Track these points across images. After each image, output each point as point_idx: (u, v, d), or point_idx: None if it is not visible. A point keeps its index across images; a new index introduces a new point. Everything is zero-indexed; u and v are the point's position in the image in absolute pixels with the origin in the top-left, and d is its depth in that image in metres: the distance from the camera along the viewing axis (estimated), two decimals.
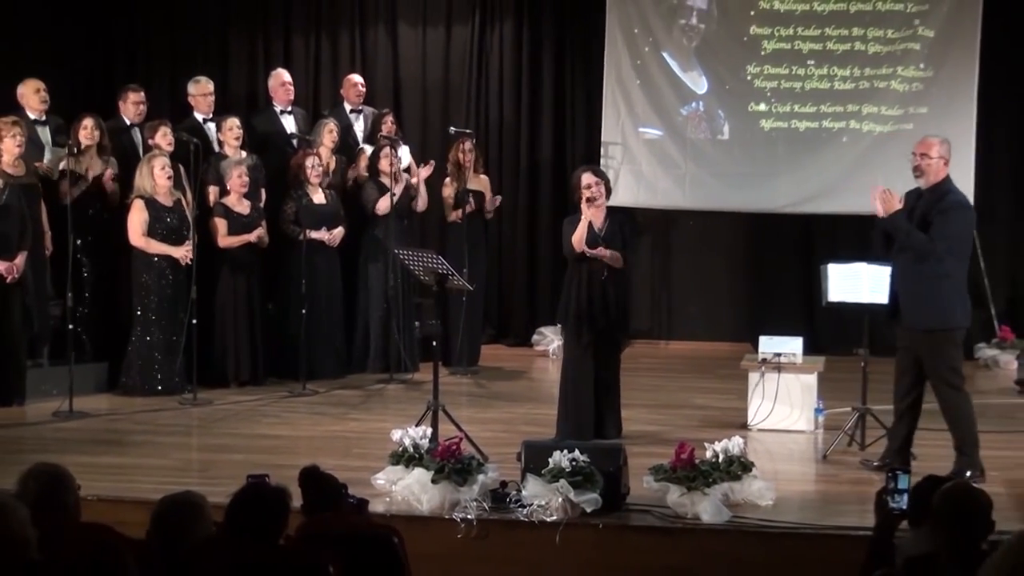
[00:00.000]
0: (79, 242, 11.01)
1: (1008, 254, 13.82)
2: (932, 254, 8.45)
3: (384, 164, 12.12)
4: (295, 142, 12.40)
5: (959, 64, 13.48)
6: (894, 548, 5.24)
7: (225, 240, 11.42)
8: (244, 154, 11.82)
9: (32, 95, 11.34)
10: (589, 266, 9.31)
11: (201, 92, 12.21)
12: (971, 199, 13.08)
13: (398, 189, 12.13)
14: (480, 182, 12.75)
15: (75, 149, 10.97)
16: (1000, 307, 13.54)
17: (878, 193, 8.73)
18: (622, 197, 13.73)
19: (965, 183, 13.10)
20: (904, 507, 5.33)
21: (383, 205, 12.06)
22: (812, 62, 13.82)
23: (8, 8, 12.68)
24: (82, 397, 10.70)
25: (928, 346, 8.62)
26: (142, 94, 11.97)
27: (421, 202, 12.59)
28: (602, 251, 9.41)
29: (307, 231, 11.64)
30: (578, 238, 9.22)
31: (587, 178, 9.51)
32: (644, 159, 14.02)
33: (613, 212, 9.69)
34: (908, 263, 8.60)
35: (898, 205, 8.59)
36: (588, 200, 9.36)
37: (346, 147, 12.67)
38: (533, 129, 14.43)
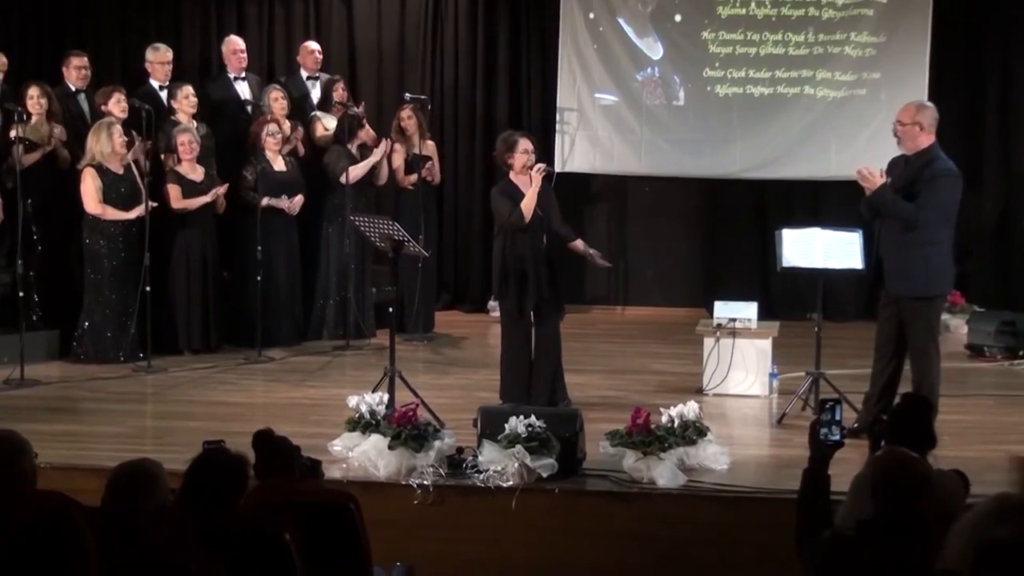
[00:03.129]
0: (31, 209, 10.95)
1: (958, 221, 13.88)
2: (918, 223, 8.48)
3: (363, 135, 12.27)
4: (249, 108, 12.30)
5: (911, 30, 13.56)
6: (828, 479, 5.24)
7: (179, 202, 11.33)
8: (198, 123, 11.74)
9: None
10: (531, 236, 9.25)
11: (160, 60, 12.12)
12: None
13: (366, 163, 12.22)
14: (427, 147, 12.72)
15: (24, 117, 10.89)
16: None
17: (859, 175, 8.72)
18: (578, 163, 13.82)
19: None
20: (839, 438, 5.33)
21: (354, 174, 12.03)
22: (767, 29, 13.85)
23: None
24: (33, 365, 10.67)
25: (913, 313, 8.65)
26: (85, 59, 11.91)
27: (383, 175, 12.53)
28: (582, 247, 9.45)
29: (265, 198, 11.58)
30: (528, 206, 9.14)
31: (526, 143, 9.43)
32: (600, 125, 14.03)
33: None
34: (894, 231, 8.62)
35: (880, 180, 8.58)
36: (534, 170, 9.27)
37: (303, 113, 12.60)
38: (488, 95, 14.41)
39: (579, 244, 9.57)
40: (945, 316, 13.17)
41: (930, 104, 9.06)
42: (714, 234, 14.28)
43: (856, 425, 8.48)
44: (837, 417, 5.40)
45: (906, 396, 6.44)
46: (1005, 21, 13.70)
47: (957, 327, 12.89)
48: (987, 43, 13.82)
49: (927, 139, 8.63)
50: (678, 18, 13.99)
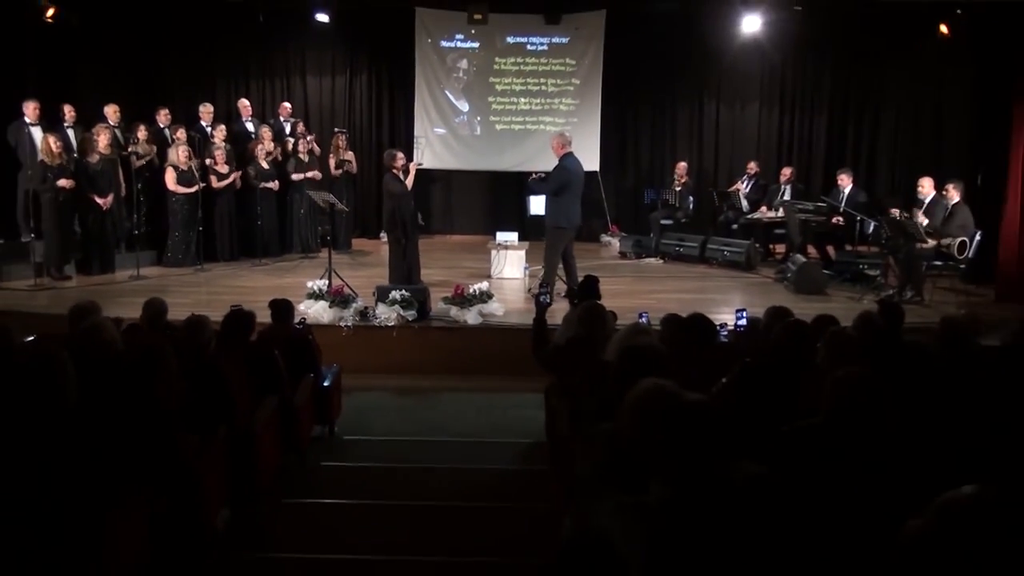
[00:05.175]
0: (139, 187, 10.65)
1: (615, 191, 14.12)
2: (546, 192, 8.87)
3: (302, 147, 11.86)
4: (253, 136, 11.91)
5: (591, 96, 13.66)
6: (546, 321, 5.25)
7: (216, 184, 11.03)
8: (224, 143, 11.33)
9: (112, 112, 10.99)
10: (406, 201, 9.03)
11: (206, 111, 11.76)
12: (597, 165, 13.45)
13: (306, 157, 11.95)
14: (349, 155, 12.47)
15: (136, 140, 10.85)
16: (612, 216, 13.83)
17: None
18: (427, 164, 13.58)
19: (592, 157, 13.43)
20: (549, 302, 5.38)
21: (295, 177, 11.78)
22: (521, 96, 13.81)
23: (101, 61, 12.03)
24: (144, 268, 10.34)
25: (547, 235, 8.94)
26: (167, 109, 11.61)
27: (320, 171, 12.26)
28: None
29: (261, 183, 11.33)
30: (409, 183, 8.99)
31: (401, 154, 9.20)
32: (436, 144, 13.81)
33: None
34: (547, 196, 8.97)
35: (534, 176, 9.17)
36: (411, 165, 9.16)
37: (281, 139, 12.17)
38: (379, 129, 14.07)
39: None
40: (609, 239, 13.41)
41: (565, 134, 9.23)
42: (496, 196, 14.12)
43: (565, 293, 8.62)
44: (548, 291, 5.46)
45: (585, 277, 6.47)
46: (632, 93, 13.84)
47: (614, 244, 13.08)
48: (628, 103, 13.94)
49: (561, 151, 8.85)
50: (475, 90, 13.83)
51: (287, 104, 12.82)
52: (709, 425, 2.48)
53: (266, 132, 11.82)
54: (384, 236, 10.87)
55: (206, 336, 5.00)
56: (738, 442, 2.76)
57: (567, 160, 8.84)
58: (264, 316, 5.92)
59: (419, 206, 9.44)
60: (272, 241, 11.67)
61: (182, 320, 5.06)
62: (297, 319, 6.81)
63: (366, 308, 8.08)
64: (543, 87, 13.81)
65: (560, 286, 8.91)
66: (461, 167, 14.00)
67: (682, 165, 12.75)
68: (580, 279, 6.68)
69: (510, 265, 10.45)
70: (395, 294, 7.96)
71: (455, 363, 7.78)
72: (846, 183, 11.08)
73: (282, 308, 6.02)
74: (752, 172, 12.48)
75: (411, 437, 6.31)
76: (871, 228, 10.53)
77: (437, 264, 10.84)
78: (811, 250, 11.25)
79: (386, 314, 7.89)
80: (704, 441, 2.46)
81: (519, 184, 13.94)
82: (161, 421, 3.71)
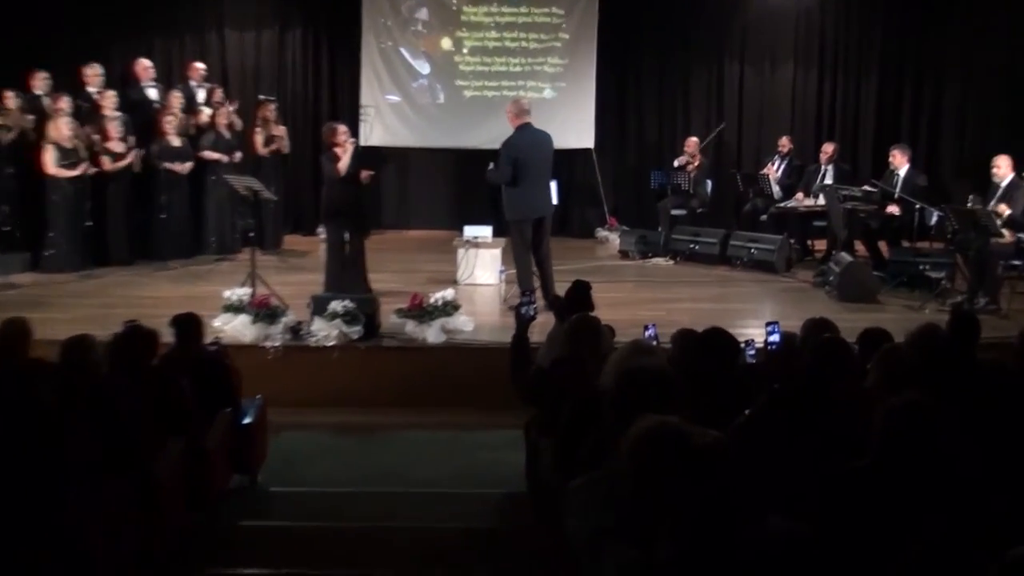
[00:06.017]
0: (10, 171, 10.57)
1: (613, 174, 14.15)
2: (502, 182, 9.00)
3: (221, 119, 11.91)
4: (156, 105, 11.90)
5: (584, 56, 13.72)
6: (528, 339, 5.29)
7: (109, 166, 11.00)
8: (119, 114, 11.33)
9: None
10: (345, 185, 9.01)
11: (93, 73, 11.75)
12: (592, 142, 13.55)
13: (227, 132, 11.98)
14: (280, 131, 12.44)
15: (3, 111, 10.72)
16: (610, 206, 13.85)
17: None
18: (376, 140, 13.72)
19: (587, 130, 13.52)
20: (533, 315, 5.45)
21: (210, 155, 11.72)
22: (496, 55, 13.87)
23: None
24: (14, 275, 10.27)
25: (510, 229, 9.14)
26: (46, 73, 11.49)
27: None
28: (367, 175, 9.24)
29: (165, 163, 11.34)
30: (343, 167, 8.96)
31: (343, 128, 9.26)
32: (389, 115, 13.85)
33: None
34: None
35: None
36: (347, 143, 9.15)
37: (192, 108, 12.16)
38: (316, 96, 14.05)
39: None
40: (607, 233, 13.45)
41: (521, 102, 9.37)
42: (464, 182, 14.03)
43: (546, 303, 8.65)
44: (532, 301, 5.50)
45: (574, 282, 6.45)
46: (635, 51, 13.91)
47: (613, 240, 13.10)
48: (630, 64, 14.00)
49: (515, 122, 9.06)
50: (438, 48, 13.85)
51: (200, 65, 12.74)
52: (726, 470, 2.49)
53: (175, 98, 11.80)
54: (322, 232, 10.86)
55: (92, 361, 4.97)
56: (764, 489, 2.77)
57: (517, 135, 8.99)
58: (169, 335, 5.89)
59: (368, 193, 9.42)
60: (180, 239, 11.59)
61: (58, 342, 5.04)
62: (210, 339, 6.77)
63: (299, 324, 8.05)
64: (523, 44, 13.85)
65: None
66: (420, 144, 14.00)
67: (693, 140, 12.79)
68: (570, 285, 6.66)
69: (482, 268, 10.45)
70: (336, 306, 7.95)
71: (411, 393, 7.75)
72: (901, 163, 11.15)
73: (189, 325, 5.98)
74: (785, 150, 12.55)
75: (355, 488, 6.27)
76: (933, 219, 10.60)
77: (389, 267, 10.74)
78: (859, 247, 11.33)
79: (324, 331, 7.88)
80: (720, 489, 2.47)
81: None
82: (26, 474, 3.66)
